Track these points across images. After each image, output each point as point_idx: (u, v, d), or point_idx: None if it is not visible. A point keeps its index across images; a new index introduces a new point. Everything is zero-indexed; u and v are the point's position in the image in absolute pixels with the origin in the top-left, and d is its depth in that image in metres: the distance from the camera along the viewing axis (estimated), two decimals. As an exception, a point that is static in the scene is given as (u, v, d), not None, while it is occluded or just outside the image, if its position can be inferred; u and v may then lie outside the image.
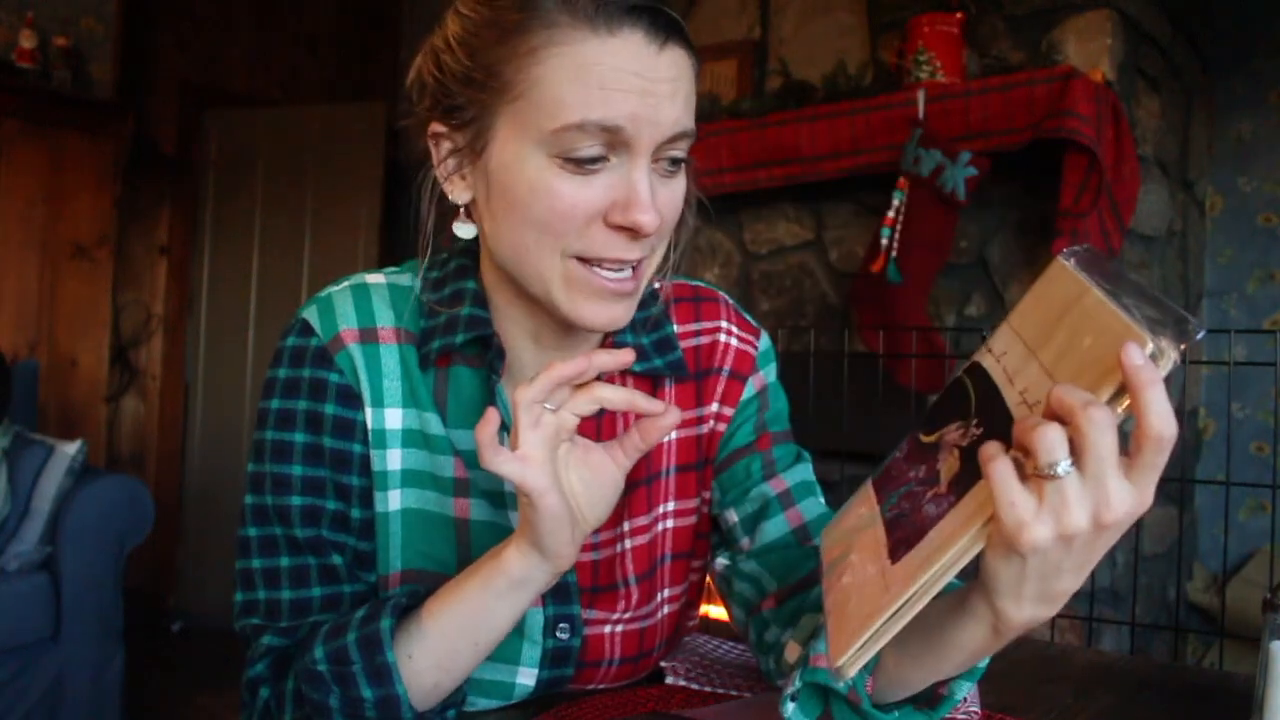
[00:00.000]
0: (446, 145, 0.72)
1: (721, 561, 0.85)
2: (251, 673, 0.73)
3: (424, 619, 0.68)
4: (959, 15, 2.44)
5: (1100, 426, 0.46)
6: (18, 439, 2.48)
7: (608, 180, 0.67)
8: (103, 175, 3.32)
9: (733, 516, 0.83)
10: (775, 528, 0.81)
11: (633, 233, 0.67)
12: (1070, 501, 0.48)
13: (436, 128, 0.72)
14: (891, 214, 2.39)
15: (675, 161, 0.70)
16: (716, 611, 1.74)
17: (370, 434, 0.75)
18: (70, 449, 2.48)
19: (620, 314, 0.71)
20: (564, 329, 0.76)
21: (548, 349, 0.78)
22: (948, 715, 0.67)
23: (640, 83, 0.65)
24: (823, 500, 0.85)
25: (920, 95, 2.35)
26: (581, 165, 0.66)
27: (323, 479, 0.74)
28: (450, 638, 0.68)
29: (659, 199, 0.68)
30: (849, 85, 2.60)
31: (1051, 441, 0.47)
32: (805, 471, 0.86)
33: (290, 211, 3.92)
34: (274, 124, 3.95)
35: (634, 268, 0.71)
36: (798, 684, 0.65)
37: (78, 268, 3.28)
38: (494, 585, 0.67)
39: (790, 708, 0.65)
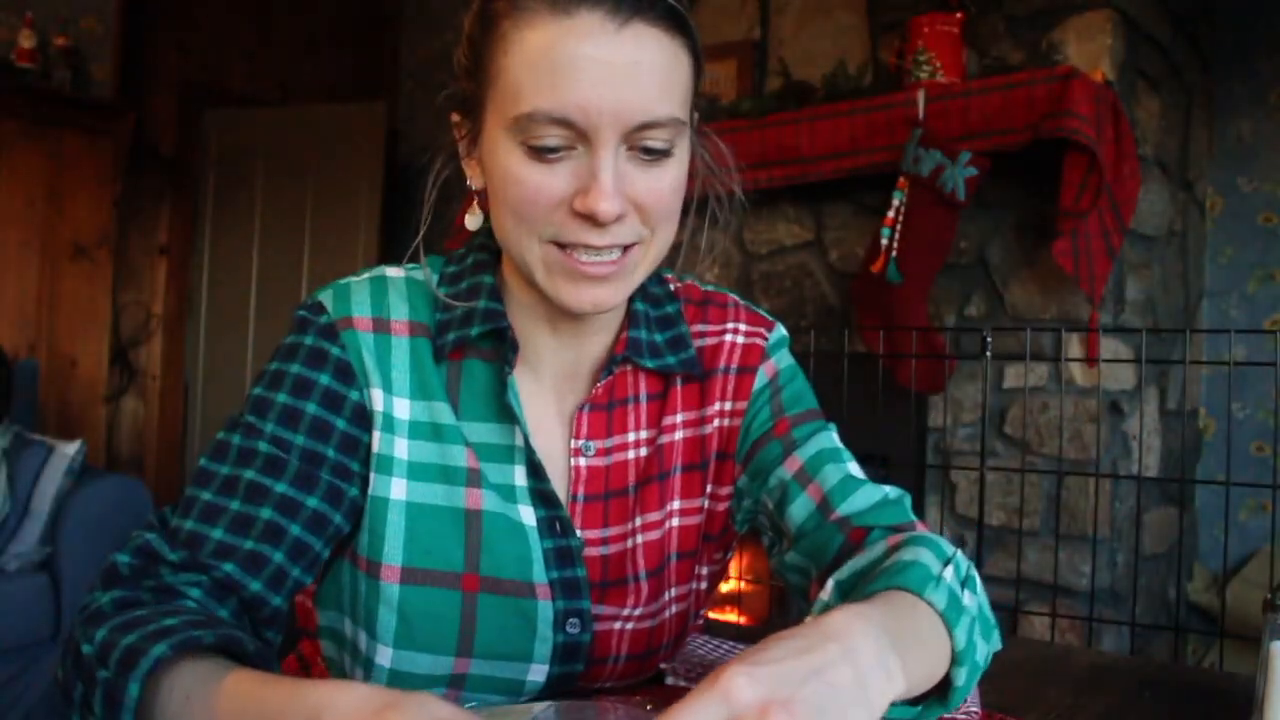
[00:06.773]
0: (462, 133, 0.75)
1: (774, 560, 0.83)
2: (117, 558, 0.66)
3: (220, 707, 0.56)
4: (959, 15, 2.44)
5: None
6: (17, 439, 2.48)
7: (571, 168, 0.66)
8: (102, 175, 3.32)
9: (769, 506, 0.81)
10: (800, 510, 0.79)
11: (596, 220, 0.66)
12: None
13: (454, 118, 0.76)
14: (891, 214, 2.39)
15: (652, 151, 0.67)
16: (717, 613, 1.74)
17: (379, 416, 0.74)
18: (70, 449, 2.48)
19: (605, 296, 0.70)
20: (575, 315, 0.75)
21: (564, 336, 0.79)
22: (948, 716, 0.67)
23: (597, 68, 0.63)
24: (847, 463, 0.80)
25: (920, 95, 2.35)
26: (542, 154, 0.66)
27: (289, 441, 0.72)
28: None
29: (635, 187, 0.68)
30: (849, 85, 2.60)
31: None
32: (824, 440, 0.81)
33: (290, 211, 3.91)
34: (274, 124, 3.94)
35: (624, 249, 0.70)
36: None
37: (78, 268, 3.28)
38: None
39: None
